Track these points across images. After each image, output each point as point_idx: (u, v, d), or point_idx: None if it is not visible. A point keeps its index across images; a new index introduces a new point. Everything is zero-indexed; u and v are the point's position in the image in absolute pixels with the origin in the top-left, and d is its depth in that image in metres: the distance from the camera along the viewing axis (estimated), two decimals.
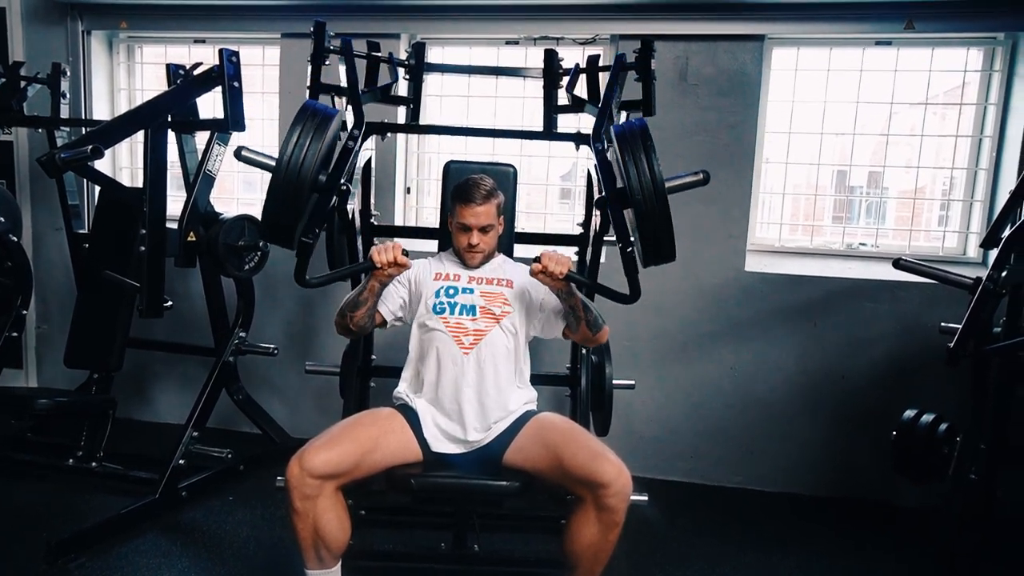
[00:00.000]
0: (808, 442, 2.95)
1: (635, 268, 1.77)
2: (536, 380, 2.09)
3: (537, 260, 1.79)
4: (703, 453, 3.04)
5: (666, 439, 3.06)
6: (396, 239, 3.01)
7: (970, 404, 2.32)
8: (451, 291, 1.98)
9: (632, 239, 1.75)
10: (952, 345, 2.06)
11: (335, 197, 1.83)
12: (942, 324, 2.41)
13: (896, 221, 3.15)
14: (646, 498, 2.01)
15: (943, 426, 2.29)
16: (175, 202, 2.68)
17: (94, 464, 2.71)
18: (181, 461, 2.56)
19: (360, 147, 2.03)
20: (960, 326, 2.11)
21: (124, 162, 3.51)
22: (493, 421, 1.90)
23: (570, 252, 2.49)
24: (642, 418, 3.05)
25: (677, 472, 3.05)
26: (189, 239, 2.52)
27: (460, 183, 2.01)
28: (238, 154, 1.87)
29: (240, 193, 3.55)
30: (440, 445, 1.89)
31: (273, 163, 1.74)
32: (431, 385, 1.92)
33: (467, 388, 1.88)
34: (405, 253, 1.81)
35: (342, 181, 1.82)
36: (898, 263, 2.30)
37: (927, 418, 2.32)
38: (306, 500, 1.67)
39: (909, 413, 2.37)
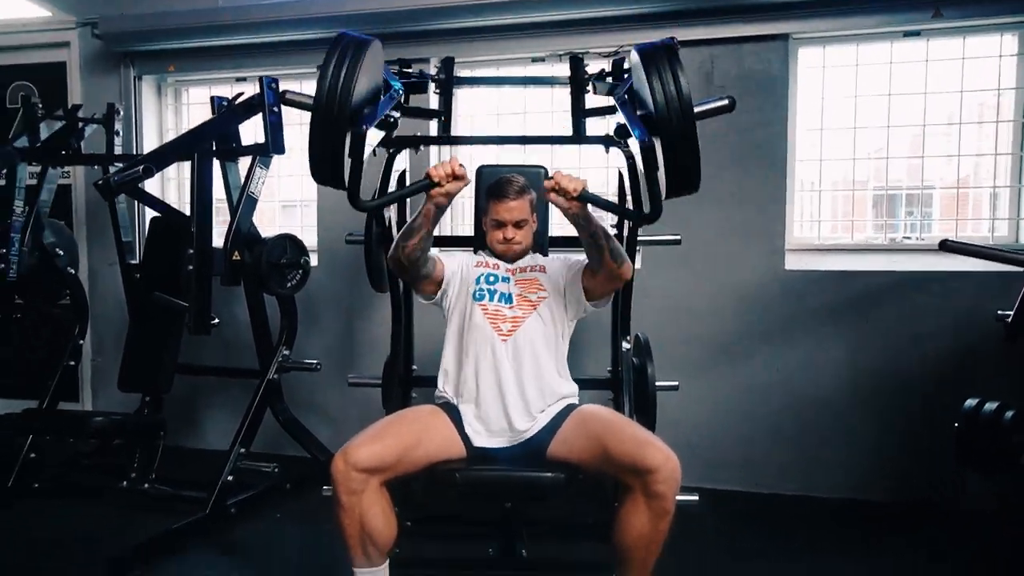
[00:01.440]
0: (865, 444, 2.83)
1: (660, 192, 1.61)
2: (578, 383, 2.06)
3: (549, 178, 1.71)
4: (755, 459, 2.94)
5: (716, 446, 2.97)
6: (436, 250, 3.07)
7: None
8: (491, 278, 2.01)
9: (656, 160, 1.58)
10: (1011, 320, 1.97)
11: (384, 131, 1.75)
12: (998, 312, 2.32)
13: (941, 213, 3.07)
14: (696, 498, 1.96)
15: (1009, 413, 2.18)
16: (220, 227, 2.79)
17: (146, 485, 2.76)
18: (230, 477, 2.59)
19: (395, 156, 2.08)
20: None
21: (172, 197, 3.68)
22: (538, 410, 1.88)
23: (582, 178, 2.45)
24: (689, 425, 2.97)
25: (729, 480, 2.95)
26: (234, 258, 2.60)
27: (493, 182, 2.05)
28: (282, 97, 1.84)
29: (279, 219, 3.68)
30: (482, 440, 1.88)
31: (311, 102, 1.63)
32: (471, 375, 1.92)
33: (507, 375, 1.88)
34: (462, 165, 1.73)
35: (388, 112, 1.71)
36: (945, 244, 2.24)
37: (991, 406, 2.21)
38: (352, 495, 1.67)
39: (971, 402, 2.26)
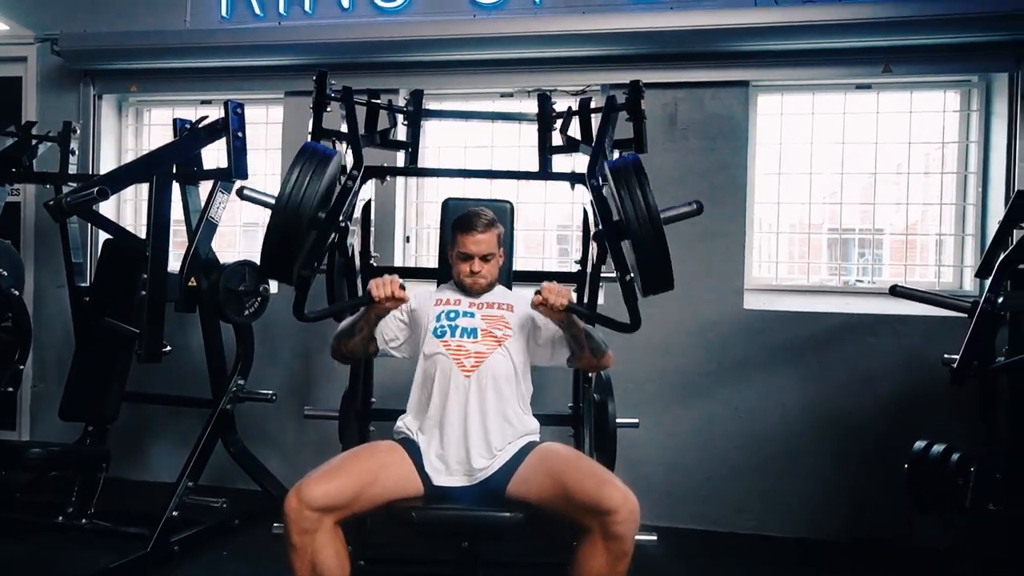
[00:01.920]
0: (819, 482, 2.88)
1: (635, 297, 1.80)
2: (539, 419, 2.05)
3: (537, 292, 1.81)
4: (712, 497, 2.95)
5: (673, 484, 2.98)
6: (393, 275, 3.04)
7: (982, 431, 2.28)
8: (452, 315, 1.99)
9: (631, 271, 1.79)
10: (956, 365, 2.04)
11: (333, 234, 1.87)
12: (945, 356, 2.40)
13: (891, 259, 3.19)
14: (655, 538, 1.95)
15: (955, 456, 2.24)
16: (177, 250, 2.73)
17: (84, 521, 2.62)
18: (175, 512, 2.48)
19: (359, 188, 2.08)
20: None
21: (128, 218, 3.57)
22: (497, 448, 1.86)
23: (569, 289, 2.51)
24: (648, 461, 2.98)
25: (686, 518, 2.95)
26: (190, 284, 2.54)
27: (461, 214, 2.05)
28: (240, 193, 1.94)
29: (240, 245, 3.61)
30: (442, 478, 1.84)
31: (273, 201, 1.79)
32: (433, 411, 1.89)
33: (470, 411, 1.86)
34: (402, 287, 1.83)
35: (340, 219, 1.86)
36: (895, 289, 2.32)
37: (938, 448, 2.28)
38: (304, 534, 1.62)
39: (919, 444, 2.33)
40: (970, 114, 2.96)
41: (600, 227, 1.86)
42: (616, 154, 2.43)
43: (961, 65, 2.84)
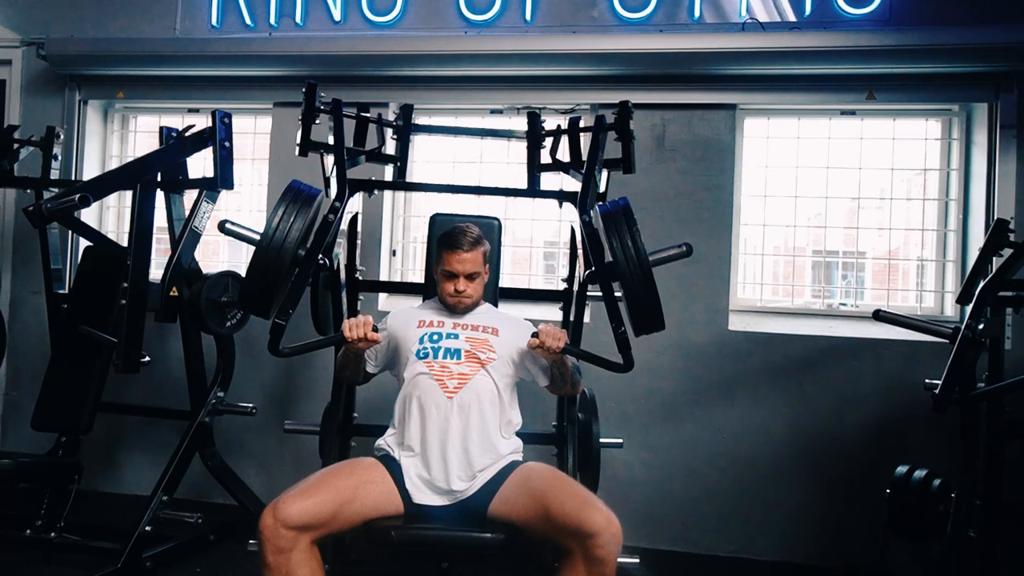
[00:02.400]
0: (802, 507, 2.88)
1: (628, 345, 1.87)
2: (522, 438, 2.04)
3: (535, 335, 1.85)
4: (695, 519, 2.94)
5: (656, 504, 2.96)
6: (379, 293, 3.02)
7: (962, 458, 2.30)
8: (435, 336, 1.97)
9: (623, 327, 1.86)
10: (938, 392, 2.06)
11: (311, 271, 1.91)
12: (926, 381, 2.43)
13: (873, 282, 3.22)
14: (637, 560, 1.93)
15: (936, 482, 2.25)
16: (159, 258, 2.69)
17: (53, 535, 2.54)
18: (148, 528, 2.42)
19: (341, 217, 2.07)
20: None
21: (110, 225, 3.53)
22: (478, 469, 1.84)
23: (554, 308, 2.51)
24: (631, 482, 2.96)
25: (668, 540, 2.94)
26: (172, 294, 2.50)
27: (446, 231, 2.04)
28: (222, 227, 1.99)
29: (225, 253, 3.57)
30: (422, 497, 1.82)
31: (256, 236, 1.82)
32: (415, 432, 1.87)
33: (451, 433, 1.84)
34: (376, 329, 1.85)
35: (320, 257, 1.90)
36: (878, 314, 2.34)
37: (919, 474, 2.28)
38: (279, 554, 1.58)
39: (901, 469, 2.34)
40: (951, 142, 3.01)
41: (591, 268, 1.92)
42: (604, 175, 2.44)
43: (943, 94, 2.90)
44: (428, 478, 1.83)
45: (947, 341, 2.25)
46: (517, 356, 2.00)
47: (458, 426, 1.85)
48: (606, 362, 1.87)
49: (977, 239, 2.83)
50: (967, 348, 2.11)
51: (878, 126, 3.07)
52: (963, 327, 2.13)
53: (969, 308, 2.21)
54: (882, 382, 2.84)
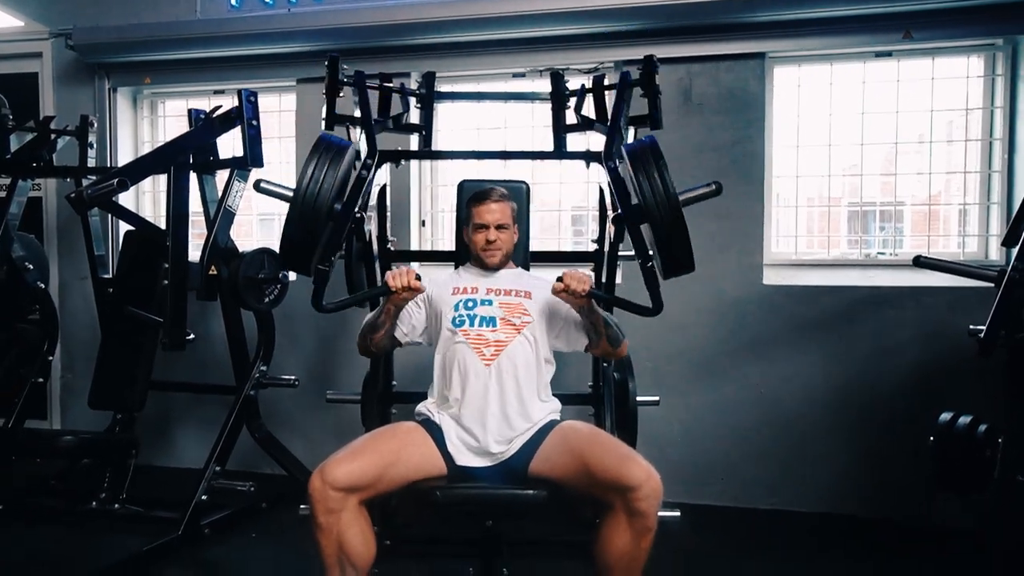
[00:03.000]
0: (842, 458, 2.86)
1: (656, 281, 1.81)
2: (559, 398, 2.06)
3: (559, 280, 1.82)
4: (733, 474, 2.95)
5: (695, 461, 2.98)
6: (411, 264, 3.05)
7: (1007, 402, 2.25)
8: (470, 303, 1.99)
9: (651, 253, 1.79)
10: (983, 335, 2.01)
11: (350, 225, 1.87)
12: (971, 327, 2.36)
13: (912, 231, 3.13)
14: (678, 514, 1.95)
15: (982, 427, 2.21)
16: (196, 240, 2.75)
17: (116, 506, 2.69)
18: (204, 496, 2.54)
19: (374, 175, 2.08)
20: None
21: (147, 210, 3.62)
22: (516, 434, 1.87)
23: (586, 269, 2.50)
24: (669, 440, 2.98)
25: (708, 495, 2.96)
26: (210, 273, 2.56)
27: (475, 191, 2.05)
28: (257, 186, 1.96)
29: (257, 233, 3.64)
30: (464, 458, 1.86)
31: (290, 194, 1.81)
32: (455, 399, 1.90)
33: (490, 399, 1.86)
34: (418, 278, 1.85)
35: (356, 209, 1.88)
36: (919, 260, 2.28)
37: (964, 420, 2.25)
38: (330, 514, 1.64)
39: (945, 416, 2.30)
40: (995, 79, 2.88)
41: (619, 211, 1.86)
42: (631, 132, 2.40)
43: (986, 28, 2.76)
44: (469, 440, 1.86)
45: (992, 285, 2.18)
46: (552, 317, 2.01)
47: (496, 392, 1.87)
48: (634, 306, 1.84)
49: None
50: (1013, 289, 2.06)
51: (916, 66, 2.95)
52: (1009, 268, 2.07)
53: (1016, 250, 2.14)
54: (923, 330, 2.78)
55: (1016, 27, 2.74)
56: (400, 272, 1.84)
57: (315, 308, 1.84)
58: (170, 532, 2.44)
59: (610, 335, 1.94)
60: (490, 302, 2.00)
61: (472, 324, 1.95)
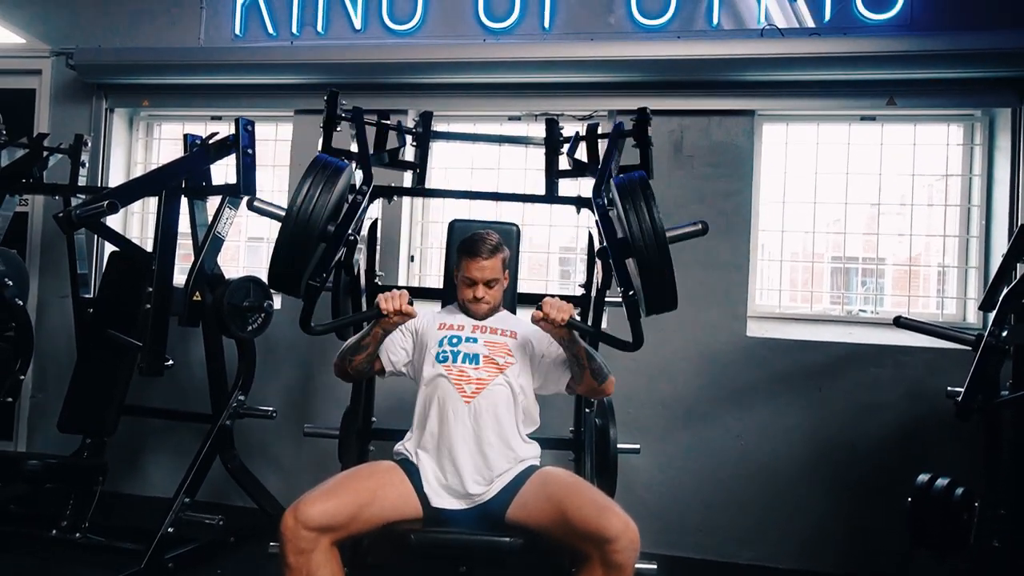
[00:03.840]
0: (821, 514, 2.85)
1: (638, 315, 1.77)
2: (540, 442, 2.04)
3: (538, 308, 1.80)
4: (713, 526, 2.92)
5: (674, 511, 2.95)
6: (402, 290, 3.01)
7: (984, 467, 2.26)
8: (454, 340, 1.98)
9: (633, 290, 1.77)
10: (960, 399, 2.03)
11: (342, 248, 1.87)
12: (948, 388, 2.38)
13: (893, 289, 3.19)
14: (655, 567, 1.93)
15: (959, 490, 2.22)
16: (182, 264, 2.73)
17: (78, 535, 2.59)
18: (170, 529, 2.46)
19: (368, 204, 2.09)
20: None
21: (135, 231, 3.59)
22: (496, 474, 1.85)
23: (570, 304, 2.51)
24: (648, 489, 2.95)
25: (686, 547, 2.92)
26: (195, 298, 2.54)
27: (466, 238, 2.05)
28: (250, 204, 1.94)
29: (244, 259, 3.62)
30: (440, 500, 1.83)
31: (283, 213, 1.79)
32: (432, 435, 1.88)
33: (468, 438, 1.85)
34: (411, 303, 1.83)
35: (349, 232, 1.87)
36: (899, 320, 2.32)
37: (942, 482, 2.25)
38: (300, 555, 1.60)
39: (923, 477, 2.30)
40: (973, 148, 2.98)
41: (604, 244, 1.84)
42: None
43: (964, 100, 2.87)
44: (445, 482, 1.84)
45: (970, 348, 2.22)
46: (535, 357, 2.01)
47: (475, 431, 1.86)
48: (614, 340, 1.80)
49: (1000, 245, 2.80)
50: (990, 355, 2.09)
51: (899, 131, 3.05)
52: (986, 334, 2.11)
53: (992, 315, 2.19)
54: (903, 390, 2.81)
55: (994, 100, 2.86)
56: (393, 295, 1.82)
57: (303, 329, 1.80)
58: (132, 565, 2.35)
59: (594, 368, 1.90)
60: (475, 340, 1.99)
61: (455, 360, 1.94)
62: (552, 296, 1.83)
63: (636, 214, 1.67)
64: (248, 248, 3.67)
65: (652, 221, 1.67)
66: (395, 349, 2.01)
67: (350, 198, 2.00)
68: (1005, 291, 2.22)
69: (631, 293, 1.73)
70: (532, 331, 2.04)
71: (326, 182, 1.76)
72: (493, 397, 1.90)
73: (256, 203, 1.86)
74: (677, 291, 1.72)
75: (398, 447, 1.97)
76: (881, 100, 2.89)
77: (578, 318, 1.83)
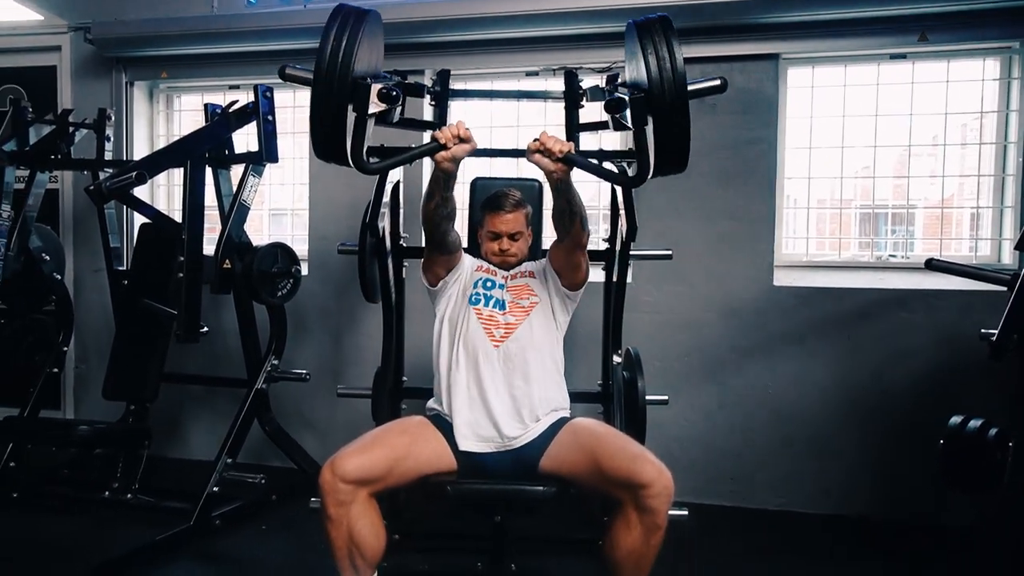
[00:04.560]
0: (851, 460, 2.86)
1: (646, 148, 1.55)
2: (569, 397, 2.06)
3: (536, 140, 1.70)
4: (743, 474, 2.95)
5: (704, 461, 2.98)
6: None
7: (1020, 407, 2.24)
8: (488, 283, 2.03)
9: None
10: (995, 339, 2.01)
11: (387, 105, 1.58)
12: (982, 331, 2.34)
13: (924, 234, 3.12)
14: (687, 513, 1.96)
15: (993, 431, 2.20)
16: (209, 235, 2.77)
17: (129, 496, 2.72)
18: (215, 488, 2.56)
19: (389, 170, 2.07)
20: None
21: (161, 204, 3.65)
22: (531, 418, 1.88)
23: (596, 268, 2.51)
24: (678, 440, 2.98)
25: (717, 495, 2.96)
26: (224, 267, 2.59)
27: (490, 195, 2.07)
28: (281, 73, 1.71)
29: (268, 228, 3.67)
30: (470, 444, 1.87)
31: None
32: (462, 381, 1.91)
33: (498, 381, 1.89)
34: (468, 129, 1.72)
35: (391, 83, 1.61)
36: (931, 263, 2.28)
37: (975, 423, 2.23)
38: (340, 506, 1.66)
39: (956, 419, 2.29)
40: (1011, 82, 2.86)
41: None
42: None
43: (1002, 31, 2.75)
44: (475, 426, 1.87)
45: (1005, 288, 2.18)
46: (554, 284, 2.02)
47: (504, 375, 1.90)
48: (610, 174, 1.69)
49: None
50: None
51: (931, 69, 2.94)
52: (1022, 272, 2.06)
53: None
54: (935, 334, 2.78)
55: None
56: (450, 126, 1.69)
57: (356, 167, 1.59)
58: (182, 523, 2.47)
59: (583, 216, 1.89)
60: (503, 286, 2.04)
61: (487, 304, 1.98)
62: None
63: (655, 54, 1.45)
64: (272, 219, 3.71)
65: (672, 63, 1.44)
66: (464, 257, 2.06)
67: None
68: None
69: (638, 96, 1.50)
70: (546, 262, 2.08)
71: (351, 28, 1.51)
72: (522, 341, 1.93)
73: (288, 70, 1.74)
74: (690, 149, 1.51)
75: (431, 403, 2.01)
76: (912, 36, 2.78)
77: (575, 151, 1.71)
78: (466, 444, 1.86)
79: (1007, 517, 2.25)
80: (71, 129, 3.04)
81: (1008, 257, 2.88)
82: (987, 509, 2.64)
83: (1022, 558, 2.15)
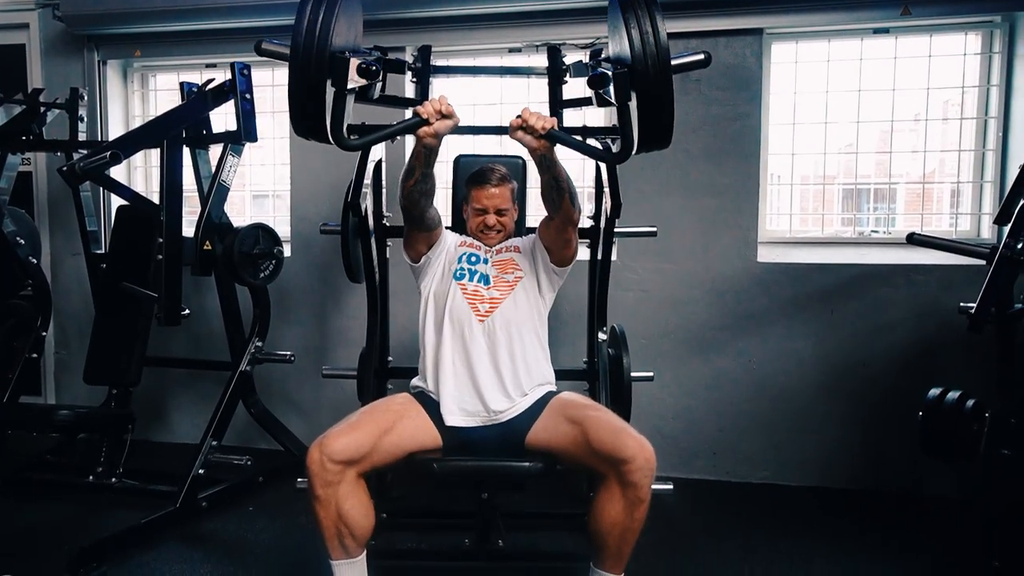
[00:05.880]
0: (833, 433, 2.90)
1: (630, 123, 1.54)
2: (555, 374, 2.07)
3: (518, 116, 1.68)
4: (726, 449, 2.99)
5: (688, 436, 3.01)
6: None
7: (997, 378, 2.28)
8: (473, 258, 2.03)
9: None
10: (973, 311, 2.03)
11: (367, 80, 1.56)
12: (961, 304, 2.38)
13: (906, 209, 3.15)
14: (671, 487, 1.99)
15: (970, 402, 2.25)
16: (189, 216, 2.74)
17: (113, 480, 2.70)
18: (201, 471, 2.55)
19: (370, 148, 2.04)
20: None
21: (139, 186, 3.58)
22: (517, 393, 1.89)
23: (581, 246, 2.51)
24: (663, 415, 3.01)
25: (700, 469, 3.00)
26: (205, 248, 2.55)
27: (475, 170, 2.06)
28: (258, 48, 1.72)
29: (250, 210, 3.62)
30: (456, 419, 1.87)
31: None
32: (447, 356, 1.91)
33: (482, 356, 1.89)
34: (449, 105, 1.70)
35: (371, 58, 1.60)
36: (912, 237, 2.30)
37: (953, 395, 2.28)
38: (328, 487, 1.66)
39: (934, 391, 2.33)
40: (992, 56, 2.87)
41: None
42: None
43: (983, 5, 2.75)
44: (461, 400, 1.88)
45: (984, 262, 2.20)
46: (542, 260, 2.03)
47: (488, 349, 1.90)
48: (594, 150, 1.68)
49: (1018, 157, 2.74)
50: (1005, 267, 2.07)
51: (913, 44, 2.94)
52: (1001, 246, 2.09)
53: (1008, 228, 2.16)
54: (915, 308, 2.81)
55: (1014, 4, 2.74)
56: (431, 101, 1.67)
57: (336, 143, 1.56)
58: (167, 505, 2.46)
59: (572, 191, 1.86)
60: (487, 261, 2.04)
61: (471, 279, 1.98)
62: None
63: (638, 27, 1.43)
64: (254, 200, 3.65)
65: (655, 35, 1.41)
66: (445, 232, 2.05)
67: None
68: (1022, 203, 2.18)
69: (622, 72, 1.47)
70: (529, 240, 2.08)
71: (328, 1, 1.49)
72: (506, 315, 1.93)
73: (265, 45, 1.70)
74: (673, 125, 1.50)
75: (415, 381, 2.01)
76: (895, 10, 2.78)
77: (559, 128, 1.70)
78: (452, 419, 1.86)
79: (984, 486, 2.30)
80: (42, 109, 2.96)
81: (987, 231, 2.91)
82: (965, 478, 2.70)
83: (998, 525, 2.21)
